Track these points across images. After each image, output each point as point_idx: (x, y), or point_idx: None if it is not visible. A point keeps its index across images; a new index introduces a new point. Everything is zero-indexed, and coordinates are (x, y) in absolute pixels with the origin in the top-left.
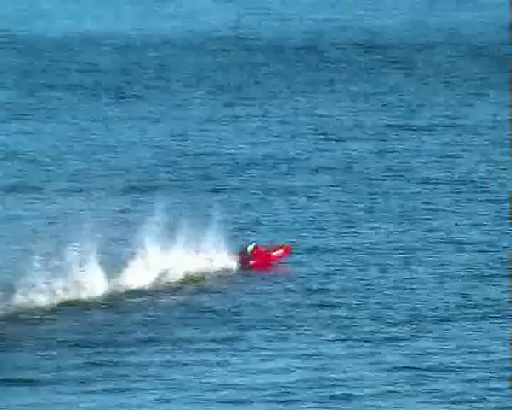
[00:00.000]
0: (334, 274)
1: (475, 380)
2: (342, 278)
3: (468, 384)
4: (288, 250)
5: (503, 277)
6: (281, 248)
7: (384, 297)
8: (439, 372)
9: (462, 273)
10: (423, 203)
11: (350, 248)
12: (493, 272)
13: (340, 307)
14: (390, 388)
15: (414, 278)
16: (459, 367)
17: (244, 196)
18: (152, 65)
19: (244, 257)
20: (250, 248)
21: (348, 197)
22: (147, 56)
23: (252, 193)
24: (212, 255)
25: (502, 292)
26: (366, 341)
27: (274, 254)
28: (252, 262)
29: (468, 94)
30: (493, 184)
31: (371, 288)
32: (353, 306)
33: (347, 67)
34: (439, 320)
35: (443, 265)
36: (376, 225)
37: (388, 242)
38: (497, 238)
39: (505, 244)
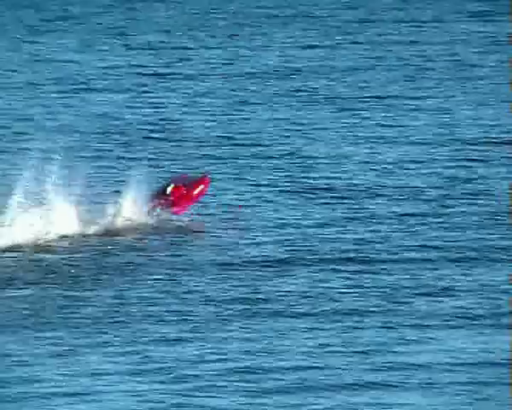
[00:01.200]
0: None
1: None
2: (81, 263)
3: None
4: (207, 182)
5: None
6: (200, 182)
7: (151, 289)
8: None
9: (248, 260)
10: (195, 169)
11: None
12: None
13: (63, 297)
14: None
15: (187, 268)
16: (238, 380)
17: None
18: None
19: (165, 200)
20: (170, 188)
21: (104, 163)
22: None
23: None
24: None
25: (286, 285)
26: (117, 344)
27: (195, 191)
28: (174, 204)
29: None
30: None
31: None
32: (84, 294)
33: None
34: (217, 319)
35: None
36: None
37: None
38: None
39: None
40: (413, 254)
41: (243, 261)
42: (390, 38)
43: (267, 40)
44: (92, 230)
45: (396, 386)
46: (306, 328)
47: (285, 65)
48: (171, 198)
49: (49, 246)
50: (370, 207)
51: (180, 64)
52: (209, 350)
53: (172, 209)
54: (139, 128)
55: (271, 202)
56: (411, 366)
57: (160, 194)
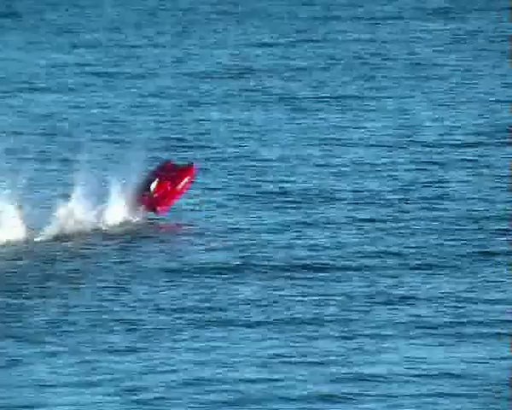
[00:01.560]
0: None
1: None
2: None
3: None
4: (193, 172)
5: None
6: (186, 172)
7: (98, 297)
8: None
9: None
10: None
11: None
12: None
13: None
14: None
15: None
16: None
17: None
18: None
19: (148, 197)
20: (154, 185)
21: (50, 166)
22: None
23: None
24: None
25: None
26: (63, 354)
27: (180, 186)
28: (158, 202)
29: None
30: None
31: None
32: (29, 303)
33: None
34: (167, 329)
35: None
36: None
37: None
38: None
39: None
40: (371, 261)
41: (194, 268)
42: (347, 36)
43: (219, 38)
44: (38, 235)
45: (353, 398)
46: (260, 337)
47: (238, 64)
48: (155, 196)
49: None
50: (326, 211)
51: (128, 63)
52: (159, 361)
53: (155, 210)
54: (85, 129)
55: (223, 206)
56: (369, 376)
57: (144, 190)
